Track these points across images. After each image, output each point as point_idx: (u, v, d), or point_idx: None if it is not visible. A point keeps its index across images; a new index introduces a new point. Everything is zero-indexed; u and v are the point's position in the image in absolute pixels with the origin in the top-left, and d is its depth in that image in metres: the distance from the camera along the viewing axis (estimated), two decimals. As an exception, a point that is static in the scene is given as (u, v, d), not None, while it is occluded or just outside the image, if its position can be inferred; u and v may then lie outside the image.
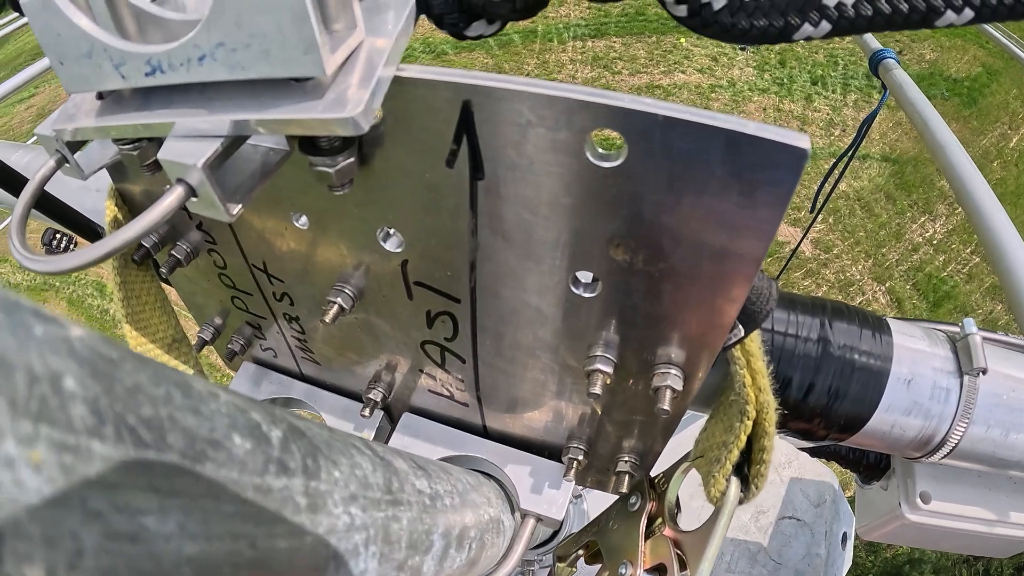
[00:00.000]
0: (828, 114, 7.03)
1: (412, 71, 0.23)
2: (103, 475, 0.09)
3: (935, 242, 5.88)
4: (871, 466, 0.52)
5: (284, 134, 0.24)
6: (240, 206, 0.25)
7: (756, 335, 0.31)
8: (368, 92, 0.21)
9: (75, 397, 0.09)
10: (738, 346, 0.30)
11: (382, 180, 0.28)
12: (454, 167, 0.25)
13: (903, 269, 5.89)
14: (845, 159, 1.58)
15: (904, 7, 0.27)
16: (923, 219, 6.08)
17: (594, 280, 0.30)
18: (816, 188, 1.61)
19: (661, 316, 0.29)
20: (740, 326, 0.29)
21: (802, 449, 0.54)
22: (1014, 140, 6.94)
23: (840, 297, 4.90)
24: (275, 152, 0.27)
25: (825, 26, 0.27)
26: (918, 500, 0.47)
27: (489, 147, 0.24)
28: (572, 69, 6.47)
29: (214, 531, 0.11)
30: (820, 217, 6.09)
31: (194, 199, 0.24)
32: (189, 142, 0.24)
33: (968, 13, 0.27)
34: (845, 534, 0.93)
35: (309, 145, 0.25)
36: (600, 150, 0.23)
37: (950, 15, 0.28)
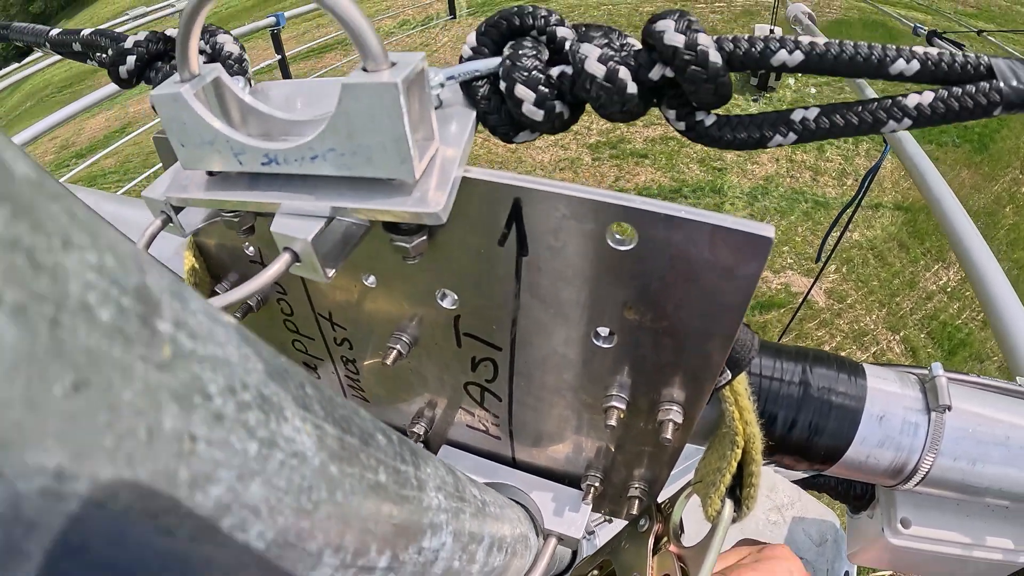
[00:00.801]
0: (840, 164, 7.13)
1: (475, 172, 0.31)
2: (336, 447, 0.16)
3: (949, 290, 5.88)
4: (858, 497, 0.58)
5: (375, 219, 0.32)
6: (334, 270, 0.33)
7: (742, 378, 0.38)
8: (446, 194, 0.29)
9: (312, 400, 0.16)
10: (728, 387, 0.38)
11: (445, 252, 0.36)
12: (504, 245, 0.33)
13: (917, 318, 5.88)
14: (849, 211, 1.66)
15: (854, 120, 0.35)
16: (936, 267, 6.10)
17: (611, 334, 0.37)
18: (822, 238, 1.68)
19: (664, 363, 0.37)
20: (728, 370, 0.36)
21: (795, 481, 0.59)
22: None
23: (855, 347, 4.90)
24: (357, 227, 0.35)
25: (792, 136, 0.34)
26: (899, 525, 0.52)
27: (532, 232, 0.32)
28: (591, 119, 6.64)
29: (371, 482, 0.18)
30: (833, 267, 6.12)
31: (297, 264, 0.32)
32: (295, 219, 0.31)
33: (907, 122, 0.35)
34: (847, 573, 0.97)
35: (392, 226, 0.33)
36: (617, 237, 0.31)
37: (891, 123, 0.35)
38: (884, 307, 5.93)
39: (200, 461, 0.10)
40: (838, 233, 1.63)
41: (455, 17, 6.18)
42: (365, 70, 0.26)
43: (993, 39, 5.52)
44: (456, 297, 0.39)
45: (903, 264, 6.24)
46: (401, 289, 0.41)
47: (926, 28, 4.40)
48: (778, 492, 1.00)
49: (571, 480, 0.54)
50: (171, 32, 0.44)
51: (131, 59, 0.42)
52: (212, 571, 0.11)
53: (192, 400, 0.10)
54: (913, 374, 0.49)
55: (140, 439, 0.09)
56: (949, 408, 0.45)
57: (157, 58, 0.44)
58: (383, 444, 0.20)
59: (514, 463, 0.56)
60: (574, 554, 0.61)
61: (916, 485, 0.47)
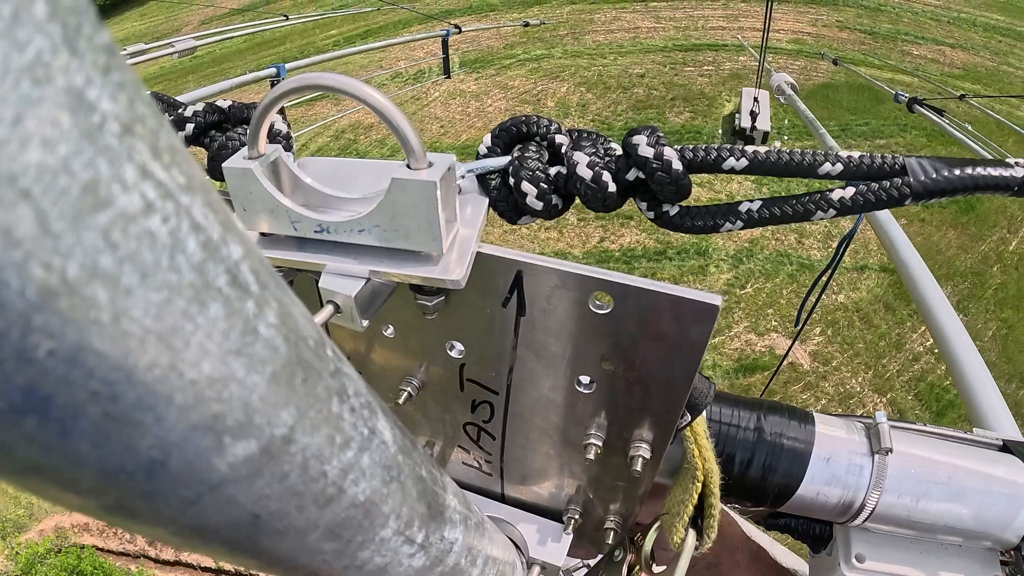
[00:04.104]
0: (826, 227, 7.30)
1: (487, 248, 0.39)
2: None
3: (936, 351, 5.95)
4: (817, 537, 0.64)
5: (405, 282, 0.40)
6: (368, 321, 0.40)
7: (701, 420, 0.45)
8: (465, 265, 0.36)
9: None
10: (689, 428, 0.45)
11: (457, 310, 0.43)
12: (507, 307, 0.41)
13: (904, 379, 5.93)
14: (825, 277, 1.74)
15: (789, 211, 0.43)
16: (923, 328, 6.18)
17: (591, 382, 0.44)
18: (800, 304, 1.75)
19: (635, 407, 0.44)
20: (688, 413, 0.44)
21: (757, 523, 0.65)
22: (1013, 243, 7.11)
23: (841, 410, 4.96)
24: (385, 287, 0.42)
25: (739, 224, 0.42)
26: (854, 560, 0.58)
27: (530, 297, 0.40)
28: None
29: (418, 475, 0.25)
30: (818, 329, 6.22)
31: (339, 314, 0.39)
32: (338, 278, 0.39)
33: (832, 212, 0.43)
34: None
35: (417, 287, 0.40)
36: (597, 303, 0.38)
37: (819, 213, 0.43)
38: (870, 369, 5.99)
39: (343, 433, 0.18)
40: (817, 298, 1.70)
41: (449, 76, 6.44)
42: (408, 167, 0.34)
43: (975, 103, 5.72)
44: (463, 348, 0.47)
45: (889, 326, 6.32)
46: (416, 339, 0.48)
47: (907, 95, 4.60)
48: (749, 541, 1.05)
49: (553, 515, 0.60)
50: (221, 103, 0.51)
51: (190, 127, 0.49)
52: (340, 511, 0.19)
53: (343, 398, 0.18)
54: (860, 422, 0.56)
55: (332, 410, 0.17)
56: (890, 451, 0.51)
57: (212, 127, 0.50)
58: (420, 449, 0.27)
59: (503, 498, 0.62)
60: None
61: (865, 521, 0.54)
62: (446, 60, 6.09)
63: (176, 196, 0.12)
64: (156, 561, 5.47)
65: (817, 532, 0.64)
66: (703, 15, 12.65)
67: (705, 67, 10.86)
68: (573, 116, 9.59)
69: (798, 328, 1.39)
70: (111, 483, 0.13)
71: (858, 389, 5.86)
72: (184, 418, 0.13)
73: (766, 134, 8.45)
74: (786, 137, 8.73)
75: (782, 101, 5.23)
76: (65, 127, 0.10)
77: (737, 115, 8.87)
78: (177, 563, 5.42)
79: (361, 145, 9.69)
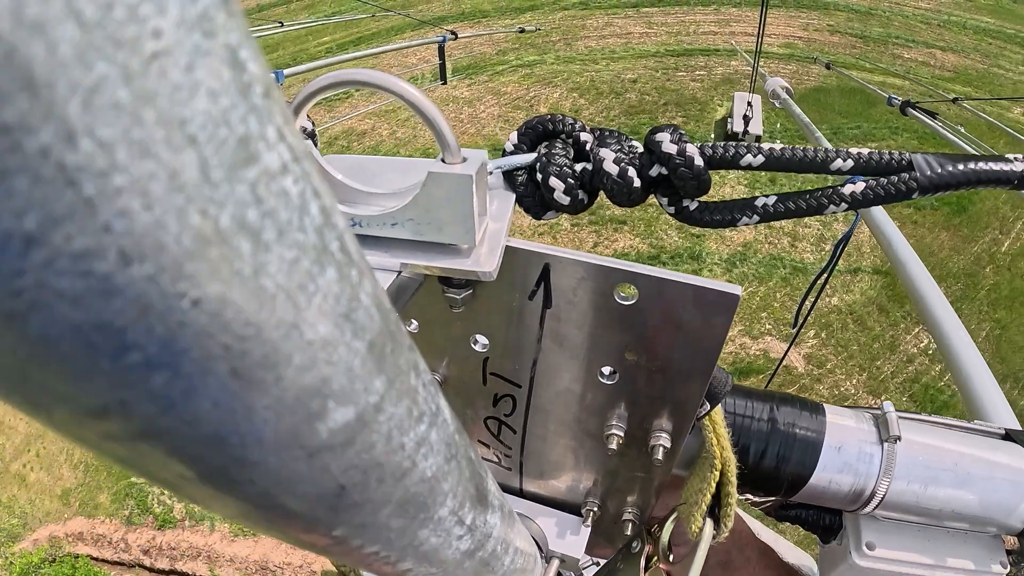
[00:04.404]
0: (819, 230, 7.35)
1: (516, 242, 0.40)
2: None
3: (930, 352, 5.97)
4: (827, 527, 0.65)
5: (436, 275, 0.41)
6: (397, 314, 0.41)
7: (719, 409, 0.47)
8: (496, 257, 0.38)
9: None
10: (707, 417, 0.46)
11: (483, 303, 0.45)
12: (533, 299, 0.42)
13: (899, 381, 5.95)
14: (822, 279, 1.77)
15: (803, 205, 0.45)
16: (917, 330, 6.21)
17: (612, 372, 0.46)
18: (797, 306, 1.78)
19: (655, 396, 0.45)
20: (707, 403, 0.45)
21: (769, 514, 0.66)
22: (1005, 244, 7.15)
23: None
24: (412, 280, 0.43)
25: (756, 218, 0.44)
26: (864, 548, 0.59)
27: (556, 289, 0.41)
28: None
29: (469, 457, 0.27)
30: (812, 332, 6.25)
31: (368, 309, 0.40)
32: (370, 273, 0.40)
33: (844, 206, 0.45)
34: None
35: (445, 281, 0.42)
36: (622, 294, 0.40)
37: (832, 207, 0.45)
38: (864, 371, 6.01)
39: (419, 406, 0.19)
40: (814, 300, 1.72)
41: (446, 83, 6.46)
42: (443, 161, 0.35)
43: (968, 106, 5.77)
44: (487, 341, 0.48)
45: (883, 328, 6.35)
46: (440, 334, 0.49)
47: (900, 98, 4.63)
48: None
49: (571, 508, 0.62)
50: None
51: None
52: (411, 485, 0.20)
53: (418, 372, 0.19)
54: (869, 412, 0.57)
55: (411, 382, 0.18)
56: (899, 439, 0.53)
57: None
58: (466, 435, 0.28)
59: (521, 493, 0.63)
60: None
61: (876, 509, 0.55)
62: (442, 66, 6.11)
63: (302, 161, 0.13)
64: (151, 570, 5.43)
65: (827, 522, 0.66)
66: (695, 20, 12.73)
67: (697, 72, 10.92)
68: (567, 121, 9.61)
69: (795, 329, 1.40)
70: (219, 448, 0.14)
71: (852, 391, 5.88)
72: (300, 379, 0.14)
73: (758, 138, 8.50)
74: (779, 141, 8.79)
75: (777, 106, 5.26)
76: (226, 80, 0.11)
77: (730, 119, 8.91)
78: (172, 571, 5.39)
79: (354, 151, 9.70)
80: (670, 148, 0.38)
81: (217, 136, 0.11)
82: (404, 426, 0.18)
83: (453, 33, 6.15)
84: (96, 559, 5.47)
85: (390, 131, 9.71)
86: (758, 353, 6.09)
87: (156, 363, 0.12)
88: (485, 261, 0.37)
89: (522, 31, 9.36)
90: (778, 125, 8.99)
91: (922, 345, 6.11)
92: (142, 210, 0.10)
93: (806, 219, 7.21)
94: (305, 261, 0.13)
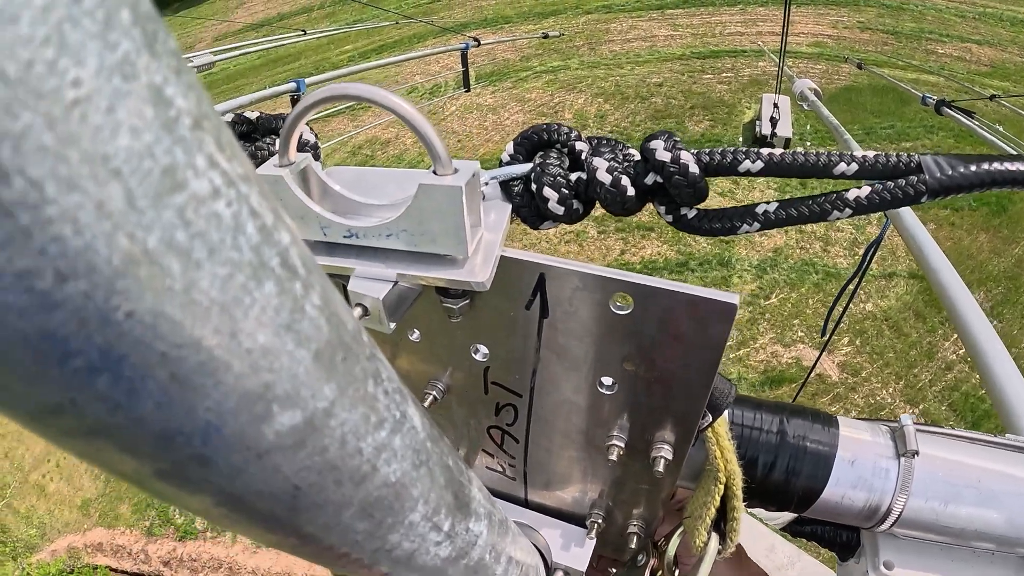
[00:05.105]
0: (852, 234, 7.20)
1: (511, 252, 0.40)
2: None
3: (970, 359, 5.74)
4: (845, 544, 0.64)
5: (431, 286, 0.41)
6: (395, 323, 0.41)
7: (723, 421, 0.46)
8: (489, 267, 0.37)
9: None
10: (710, 429, 0.45)
11: (481, 313, 0.44)
12: (530, 309, 0.42)
13: (937, 389, 5.77)
14: (852, 285, 1.73)
15: (805, 211, 0.43)
16: (955, 336, 6.03)
17: (613, 383, 0.45)
18: (826, 312, 1.74)
19: (656, 407, 0.45)
20: (709, 414, 0.44)
21: (785, 529, 0.65)
22: None
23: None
24: (411, 290, 0.43)
25: (756, 225, 0.43)
26: (882, 568, 0.57)
27: (553, 299, 0.41)
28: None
29: (445, 463, 0.26)
30: (846, 339, 6.11)
31: (367, 317, 0.40)
32: (367, 281, 0.40)
33: (847, 211, 0.44)
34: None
35: (443, 291, 0.42)
36: (618, 304, 0.39)
37: (835, 213, 0.44)
38: (901, 379, 5.85)
39: (378, 413, 0.19)
40: (845, 306, 1.69)
41: (469, 90, 6.50)
42: (435, 173, 0.35)
43: (1006, 103, 5.57)
44: (487, 351, 0.48)
45: (920, 334, 6.18)
46: (441, 343, 0.49)
47: (934, 97, 4.49)
48: (777, 553, 1.05)
49: (576, 519, 0.61)
50: (250, 114, 0.53)
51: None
52: (374, 489, 0.20)
53: (378, 380, 0.19)
54: (885, 425, 0.56)
55: (367, 390, 0.18)
56: (916, 453, 0.51)
57: (241, 138, 0.52)
58: (447, 442, 0.28)
59: (527, 503, 0.63)
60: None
61: (892, 526, 0.53)
62: (465, 73, 6.15)
63: (237, 184, 0.14)
64: (171, 582, 5.44)
65: (845, 539, 0.64)
66: (720, 21, 12.62)
67: (724, 74, 10.81)
68: (591, 127, 9.60)
69: (825, 338, 1.37)
70: (169, 446, 0.15)
71: (889, 400, 5.73)
72: (240, 384, 0.15)
73: (788, 140, 8.38)
74: (808, 143, 8.65)
75: (805, 108, 5.18)
76: (148, 118, 0.12)
77: (758, 122, 8.82)
78: (191, 583, 5.38)
79: (378, 160, 9.79)
80: (664, 156, 0.38)
81: (141, 168, 0.12)
82: (360, 431, 0.19)
83: (476, 40, 6.19)
84: (115, 570, 5.46)
85: (414, 139, 9.79)
86: (790, 361, 5.99)
87: (98, 367, 0.13)
88: (479, 271, 0.37)
89: (545, 37, 9.38)
90: (808, 127, 8.86)
91: (961, 352, 5.93)
92: (73, 235, 0.11)
93: (838, 223, 7.02)
94: (240, 276, 0.14)
